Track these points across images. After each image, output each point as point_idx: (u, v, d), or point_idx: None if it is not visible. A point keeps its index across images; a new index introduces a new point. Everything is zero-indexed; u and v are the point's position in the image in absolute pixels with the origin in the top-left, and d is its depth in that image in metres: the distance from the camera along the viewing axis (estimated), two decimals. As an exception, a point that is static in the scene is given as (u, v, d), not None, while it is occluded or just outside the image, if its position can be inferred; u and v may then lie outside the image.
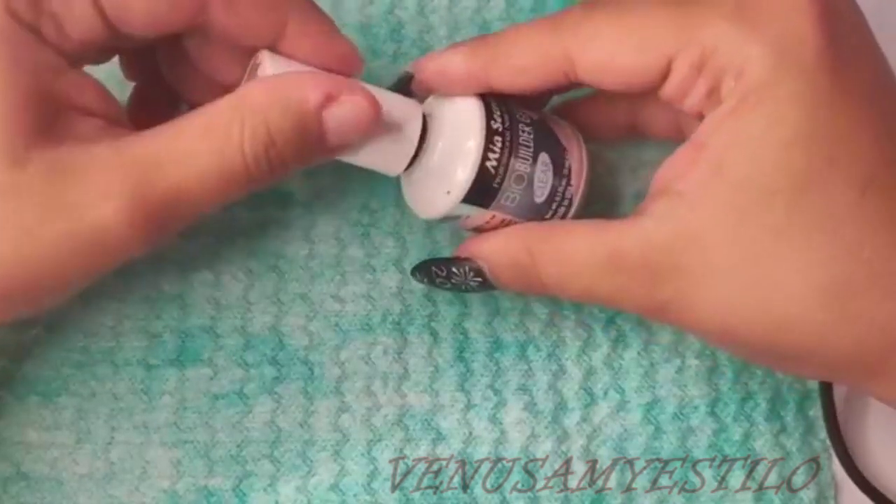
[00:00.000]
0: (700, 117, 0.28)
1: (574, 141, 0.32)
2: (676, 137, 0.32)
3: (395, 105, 0.30)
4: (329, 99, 0.27)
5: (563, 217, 0.31)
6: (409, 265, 0.35)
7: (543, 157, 0.30)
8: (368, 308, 0.35)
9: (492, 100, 0.30)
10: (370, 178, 0.31)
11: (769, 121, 0.27)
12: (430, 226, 0.35)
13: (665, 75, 0.28)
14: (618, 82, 0.29)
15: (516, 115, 0.31)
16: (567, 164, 0.31)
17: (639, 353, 0.35)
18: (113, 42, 0.29)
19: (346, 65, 0.30)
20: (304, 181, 0.35)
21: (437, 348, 0.34)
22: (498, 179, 0.30)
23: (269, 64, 0.29)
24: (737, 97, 0.27)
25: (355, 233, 0.35)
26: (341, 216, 0.35)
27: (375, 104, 0.28)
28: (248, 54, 0.30)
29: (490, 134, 0.30)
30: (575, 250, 0.29)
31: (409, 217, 0.35)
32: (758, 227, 0.27)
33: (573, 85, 0.30)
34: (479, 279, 0.31)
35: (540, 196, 0.31)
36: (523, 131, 0.30)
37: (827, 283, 0.27)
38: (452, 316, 0.35)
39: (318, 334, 0.34)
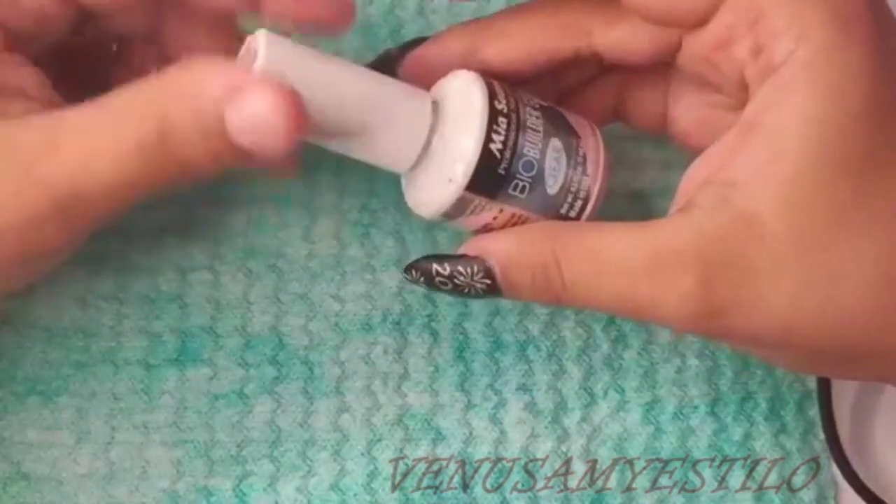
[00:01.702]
0: (737, 76, 0.27)
1: (588, 129, 0.29)
2: (657, 129, 0.32)
3: (401, 95, 0.28)
4: (232, 92, 0.24)
5: (580, 213, 0.29)
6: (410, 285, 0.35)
7: (555, 143, 0.28)
8: (368, 308, 0.35)
9: (496, 83, 0.28)
10: (370, 178, 0.31)
11: (835, 93, 0.25)
12: (431, 226, 0.35)
13: (709, 16, 0.26)
14: (660, 10, 0.27)
15: (523, 99, 0.29)
16: (581, 153, 0.29)
17: (639, 353, 0.35)
18: (67, 18, 0.27)
19: (334, 14, 0.28)
20: (303, 181, 0.35)
21: (437, 348, 0.34)
22: (504, 164, 0.27)
23: (263, 52, 0.25)
24: (797, 65, 0.25)
25: (355, 233, 0.35)
26: (341, 216, 0.35)
27: (293, 102, 0.24)
28: (224, 25, 0.29)
29: (494, 114, 0.27)
30: (611, 248, 0.26)
31: (409, 217, 0.35)
32: (824, 210, 0.25)
33: (579, 61, 0.29)
34: (488, 281, 0.28)
35: (552, 186, 0.28)
36: (531, 115, 0.28)
37: (880, 270, 0.25)
38: (452, 316, 0.35)
39: (318, 334, 0.34)
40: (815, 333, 0.26)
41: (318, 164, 0.35)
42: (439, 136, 0.28)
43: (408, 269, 0.29)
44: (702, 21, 0.27)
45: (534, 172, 0.28)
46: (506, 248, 0.27)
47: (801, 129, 0.25)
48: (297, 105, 0.24)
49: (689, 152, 0.31)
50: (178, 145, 0.25)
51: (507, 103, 0.28)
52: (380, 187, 0.35)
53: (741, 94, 0.27)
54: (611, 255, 0.26)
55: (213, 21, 0.30)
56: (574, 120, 0.29)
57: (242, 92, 0.24)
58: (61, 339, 0.34)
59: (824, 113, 0.25)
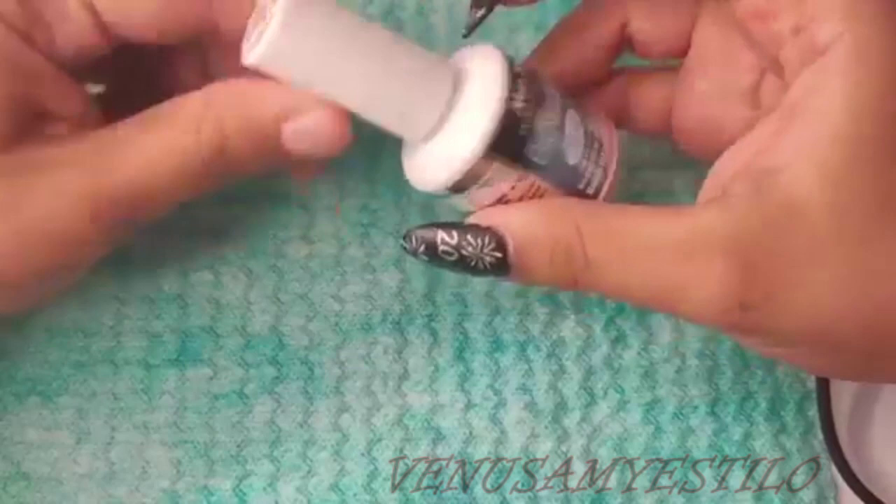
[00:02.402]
0: (772, 50, 0.26)
1: (601, 113, 0.29)
2: (662, 130, 0.31)
3: (422, 61, 0.27)
4: (290, 113, 0.26)
5: (598, 190, 0.28)
6: (409, 265, 0.35)
7: (572, 114, 0.27)
8: (368, 308, 0.35)
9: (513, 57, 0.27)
10: (370, 179, 0.31)
11: (884, 79, 0.24)
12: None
13: None
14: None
15: (540, 75, 0.28)
16: (596, 131, 0.28)
17: (639, 353, 0.35)
18: (110, 48, 0.28)
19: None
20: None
21: (437, 348, 0.34)
22: (526, 125, 0.26)
23: (283, 5, 0.25)
24: (845, 49, 0.24)
25: (355, 233, 0.35)
26: (341, 216, 0.35)
27: (341, 122, 0.26)
28: None
29: (514, 77, 0.26)
30: (641, 229, 0.25)
31: (409, 217, 0.35)
32: (869, 202, 0.24)
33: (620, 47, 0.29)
34: (498, 255, 0.25)
35: (574, 157, 0.27)
36: (547, 88, 0.27)
37: None
38: (452, 316, 0.35)
39: (318, 334, 0.34)
40: (848, 329, 0.25)
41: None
42: (458, 103, 0.26)
43: (407, 237, 0.27)
44: None
45: (554, 139, 0.27)
46: (524, 221, 0.26)
47: (850, 114, 0.24)
48: (344, 116, 0.26)
49: (693, 153, 0.31)
50: (235, 159, 0.27)
51: (525, 70, 0.27)
52: (380, 187, 0.35)
53: (755, 78, 0.27)
54: (640, 237, 0.25)
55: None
56: (588, 106, 0.29)
57: (299, 111, 0.26)
58: (61, 339, 0.34)
59: (873, 99, 0.24)
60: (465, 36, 0.29)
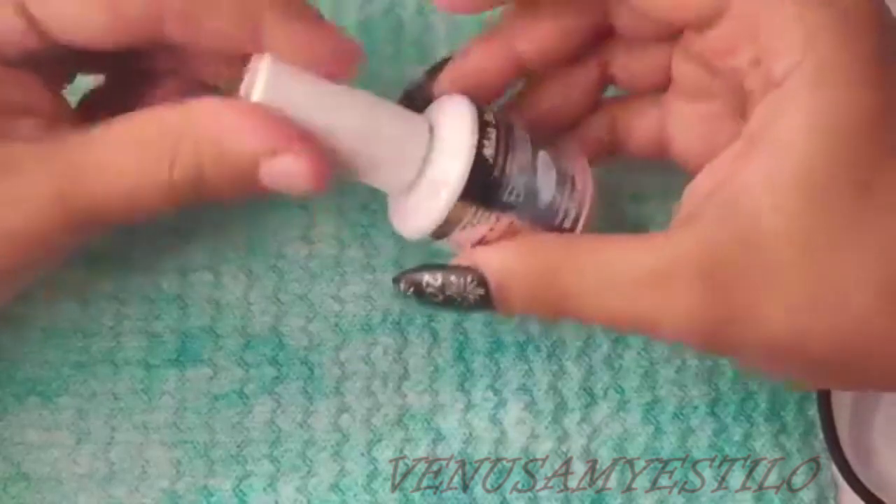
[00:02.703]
0: (736, 83, 0.27)
1: (575, 151, 0.30)
2: (655, 153, 0.32)
3: (398, 120, 0.28)
4: (270, 153, 0.26)
5: (574, 224, 0.29)
6: (409, 265, 0.35)
7: (543, 156, 0.29)
8: (368, 308, 0.35)
9: (484, 106, 0.29)
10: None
11: (839, 105, 0.25)
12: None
13: (712, 22, 0.26)
14: (665, 10, 0.27)
15: (509, 120, 0.29)
16: (569, 170, 0.29)
17: (639, 353, 0.35)
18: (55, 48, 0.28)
19: (338, 62, 0.28)
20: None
21: (437, 348, 0.34)
22: (497, 170, 0.27)
23: (264, 76, 0.26)
24: (801, 79, 0.25)
25: (355, 233, 0.35)
26: (341, 216, 0.35)
27: (320, 164, 0.26)
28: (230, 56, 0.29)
29: (483, 125, 0.28)
30: (613, 261, 0.26)
31: (409, 217, 0.35)
32: (831, 218, 0.25)
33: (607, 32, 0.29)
34: (481, 292, 0.27)
35: (547, 195, 0.28)
36: (518, 130, 0.29)
37: (884, 276, 0.25)
38: (452, 316, 0.35)
39: (318, 334, 0.34)
40: (818, 346, 0.25)
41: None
42: (432, 156, 0.28)
43: (396, 281, 0.28)
44: (704, 25, 0.26)
45: (526, 178, 0.28)
46: (502, 258, 0.27)
47: (807, 141, 0.25)
48: (323, 157, 0.26)
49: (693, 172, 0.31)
50: (208, 190, 0.26)
51: (496, 117, 0.28)
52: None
53: (739, 99, 0.28)
54: (613, 268, 0.26)
55: (221, 56, 0.30)
56: (560, 144, 0.30)
57: (275, 153, 0.26)
58: (61, 339, 0.34)
59: (829, 124, 0.24)
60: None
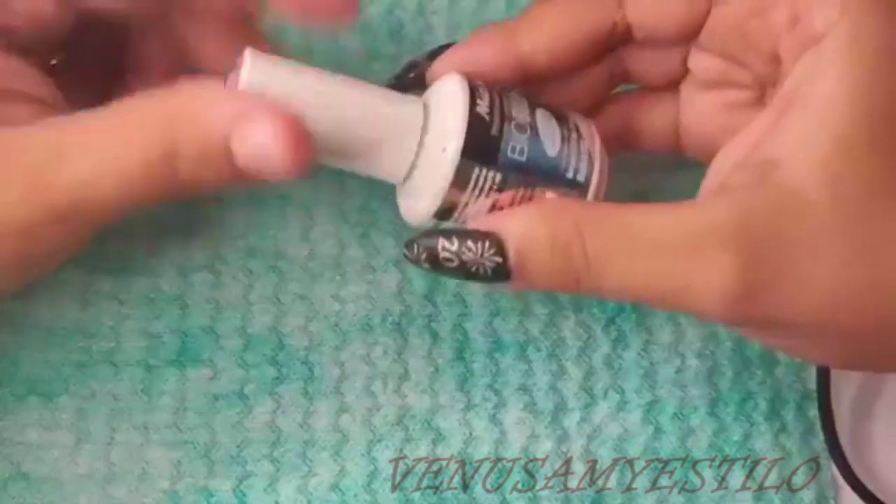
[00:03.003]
0: (769, 48, 0.26)
1: (574, 113, 0.29)
2: (668, 147, 0.31)
3: (390, 105, 0.27)
4: (239, 121, 0.24)
5: (589, 177, 0.28)
6: (409, 265, 0.35)
7: (542, 112, 0.28)
8: (368, 308, 0.35)
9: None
10: (371, 179, 0.31)
11: (881, 64, 0.24)
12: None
13: None
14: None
15: (507, 90, 0.28)
16: (572, 122, 0.28)
17: (639, 354, 0.35)
18: (65, 19, 0.27)
19: (337, 6, 0.27)
20: (303, 182, 0.35)
21: (437, 349, 0.34)
22: (496, 126, 0.26)
23: (247, 70, 0.25)
24: (840, 36, 0.24)
25: (355, 233, 0.35)
26: (341, 216, 0.35)
27: (297, 140, 0.24)
28: (234, 21, 0.28)
29: (474, 89, 0.27)
30: (642, 225, 0.25)
31: (409, 217, 0.35)
32: (870, 183, 0.24)
33: (613, 40, 0.29)
34: (499, 259, 0.25)
35: (552, 147, 0.27)
36: (514, 94, 0.28)
37: None
38: (452, 316, 0.35)
39: (318, 335, 0.34)
40: (857, 311, 0.24)
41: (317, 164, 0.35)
42: (427, 134, 0.27)
43: (409, 246, 0.26)
44: None
45: (527, 134, 0.27)
46: (522, 223, 0.25)
47: (848, 100, 0.24)
48: (300, 133, 0.24)
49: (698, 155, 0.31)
50: (184, 169, 0.25)
51: (487, 84, 0.28)
52: (380, 188, 0.35)
53: (760, 84, 0.27)
54: (642, 232, 0.25)
55: (221, 17, 0.29)
56: (559, 105, 0.29)
57: (247, 122, 0.24)
58: (61, 339, 0.34)
59: (870, 83, 0.24)
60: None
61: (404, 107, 0.27)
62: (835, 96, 0.24)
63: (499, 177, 0.27)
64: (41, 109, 0.27)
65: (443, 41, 0.37)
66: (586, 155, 0.28)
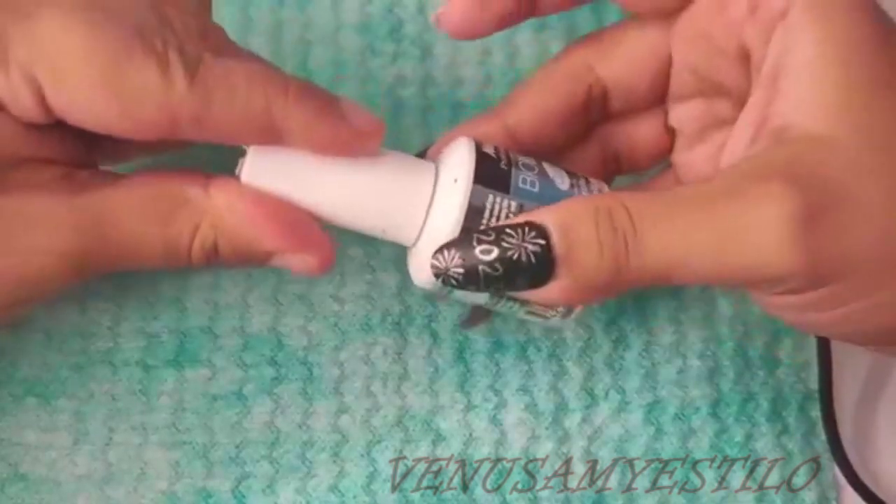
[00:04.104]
0: (737, 44, 0.27)
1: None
2: (658, 159, 0.32)
3: (407, 171, 0.28)
4: (283, 250, 0.28)
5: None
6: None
7: (549, 164, 0.29)
8: (368, 308, 0.35)
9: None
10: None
11: (849, 20, 0.25)
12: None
13: None
14: None
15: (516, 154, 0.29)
16: (580, 174, 0.29)
17: (640, 354, 0.35)
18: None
19: (352, 147, 0.27)
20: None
21: (436, 349, 0.34)
22: (504, 161, 0.27)
23: (249, 164, 0.27)
24: (803, 5, 0.25)
25: (355, 233, 0.35)
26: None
27: (325, 260, 0.28)
28: None
29: (479, 145, 0.28)
30: (684, 188, 0.25)
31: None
32: (884, 112, 0.25)
33: (592, 102, 0.30)
34: (541, 242, 0.24)
35: (562, 183, 0.27)
36: (522, 160, 0.28)
37: None
38: (452, 316, 0.35)
39: (317, 335, 0.34)
40: None
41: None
42: (437, 194, 0.27)
43: (438, 254, 0.25)
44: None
45: (536, 171, 0.28)
46: (559, 208, 0.25)
47: (831, 54, 0.25)
48: (328, 249, 0.28)
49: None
50: (218, 262, 0.28)
51: (496, 149, 0.28)
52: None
53: (742, 75, 0.28)
54: (683, 191, 0.24)
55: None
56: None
57: (294, 251, 0.28)
58: (59, 340, 0.34)
59: (846, 37, 0.25)
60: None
61: (414, 173, 0.28)
62: (819, 54, 0.25)
63: (514, 204, 0.26)
64: (66, 172, 0.28)
65: (443, 41, 0.37)
66: (597, 189, 0.28)
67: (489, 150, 0.28)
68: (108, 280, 0.34)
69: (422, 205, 0.27)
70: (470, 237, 0.25)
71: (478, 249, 0.24)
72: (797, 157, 0.24)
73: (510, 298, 0.27)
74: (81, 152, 0.29)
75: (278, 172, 0.27)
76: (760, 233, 0.23)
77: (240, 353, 0.34)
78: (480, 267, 0.24)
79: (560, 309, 0.28)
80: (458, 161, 0.27)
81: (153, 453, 0.33)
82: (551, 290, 0.25)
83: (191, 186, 0.28)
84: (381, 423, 0.34)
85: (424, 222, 0.27)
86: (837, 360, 0.34)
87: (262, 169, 0.27)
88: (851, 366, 0.35)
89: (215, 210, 0.27)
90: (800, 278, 0.24)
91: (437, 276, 0.24)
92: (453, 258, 0.24)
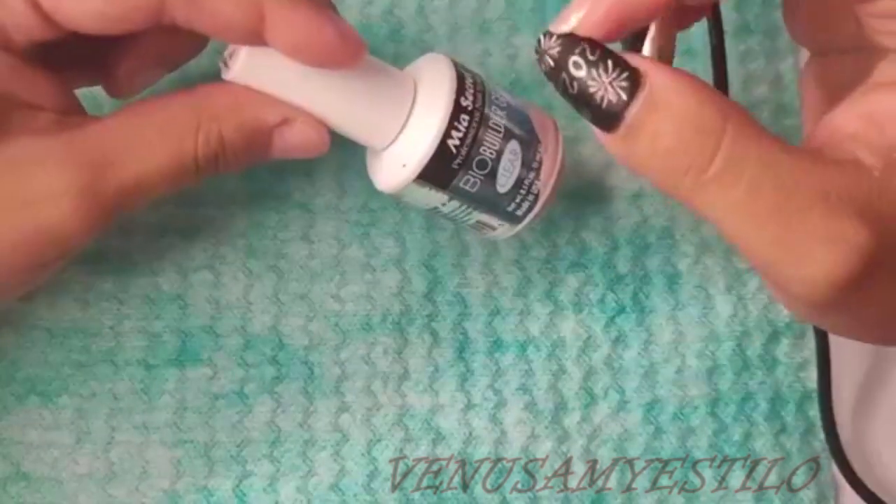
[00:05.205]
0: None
1: (551, 134, 0.30)
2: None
3: (387, 79, 0.29)
4: (284, 122, 0.28)
5: (528, 212, 0.30)
6: (409, 265, 0.35)
7: (513, 145, 0.29)
8: (368, 308, 0.35)
9: (468, 75, 0.29)
10: (370, 179, 0.31)
11: None
12: (431, 226, 0.35)
13: None
14: None
15: (491, 96, 0.29)
16: (538, 158, 0.29)
17: (639, 354, 0.35)
18: (66, 35, 0.28)
19: (337, 56, 0.27)
20: (303, 181, 0.35)
21: (437, 348, 0.34)
22: (459, 160, 0.28)
23: (240, 63, 0.27)
24: None
25: (355, 233, 0.35)
26: (341, 216, 0.35)
27: (325, 137, 0.28)
28: None
29: (457, 111, 0.28)
30: (784, 156, 0.22)
31: (409, 217, 0.35)
32: None
33: None
34: (628, 86, 0.22)
35: (503, 185, 0.29)
36: (495, 114, 0.29)
37: None
38: (452, 316, 0.35)
39: (317, 334, 0.34)
40: None
41: (318, 164, 0.35)
42: (408, 124, 0.29)
43: (547, 34, 0.23)
44: None
45: (487, 171, 0.29)
46: (674, 78, 0.22)
47: None
48: (326, 137, 0.28)
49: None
50: (226, 163, 0.28)
51: (474, 100, 0.28)
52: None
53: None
54: (781, 151, 0.22)
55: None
56: (539, 122, 0.30)
57: (291, 121, 0.28)
58: (61, 339, 0.34)
59: None
60: None
61: (397, 86, 0.29)
62: None
63: (445, 195, 0.29)
64: (59, 117, 0.28)
65: (443, 41, 0.37)
66: (533, 195, 0.29)
67: (456, 136, 0.28)
68: (109, 278, 0.34)
69: (400, 116, 0.28)
70: (577, 42, 0.23)
71: (572, 59, 0.23)
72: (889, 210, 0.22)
73: (465, 206, 0.29)
74: (73, 100, 0.29)
75: (265, 74, 0.27)
76: (814, 263, 0.22)
77: (241, 352, 0.34)
78: (563, 73, 0.23)
79: (504, 224, 0.30)
80: (416, 150, 0.28)
81: (155, 452, 0.33)
82: (603, 136, 0.23)
83: (180, 96, 0.28)
84: (381, 422, 0.34)
85: (400, 131, 0.29)
86: (836, 360, 0.34)
87: (250, 69, 0.27)
88: (850, 365, 0.36)
89: (211, 102, 0.27)
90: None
91: (536, 51, 0.23)
92: (553, 48, 0.23)
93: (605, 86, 0.22)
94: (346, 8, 0.37)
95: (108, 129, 0.27)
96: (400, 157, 0.28)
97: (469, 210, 0.29)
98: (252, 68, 0.27)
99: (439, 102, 0.28)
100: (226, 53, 0.28)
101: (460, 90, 0.28)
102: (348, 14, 0.37)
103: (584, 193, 0.36)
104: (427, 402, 0.34)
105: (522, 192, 0.29)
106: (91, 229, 0.27)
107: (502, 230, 0.30)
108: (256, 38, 0.27)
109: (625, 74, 0.22)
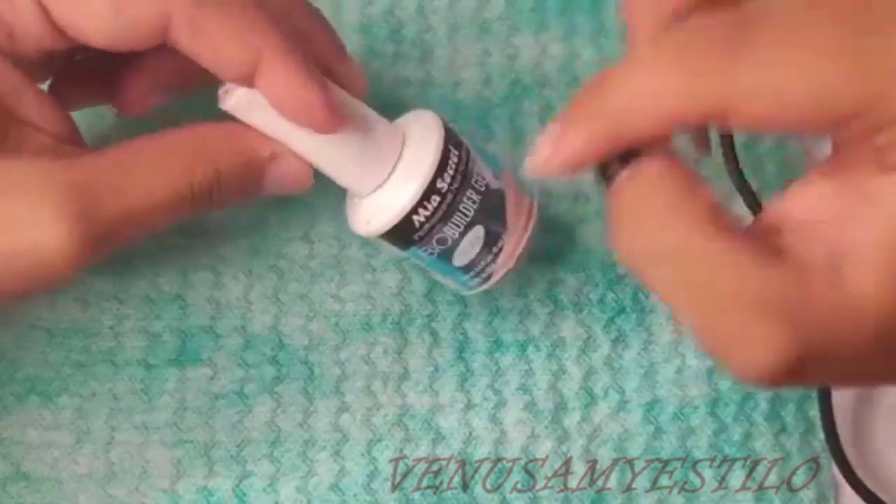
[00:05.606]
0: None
1: (523, 218, 0.30)
2: None
3: (375, 136, 0.29)
4: (273, 157, 0.29)
5: (476, 287, 0.31)
6: (408, 265, 0.35)
7: (477, 231, 0.30)
8: (368, 308, 0.35)
9: (453, 149, 0.29)
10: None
11: None
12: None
13: (839, 125, 0.22)
14: (786, 128, 0.23)
15: (471, 178, 0.30)
16: (500, 245, 0.30)
17: (639, 353, 0.35)
18: (72, 49, 0.28)
19: (316, 122, 0.28)
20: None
21: (437, 348, 0.34)
22: (420, 234, 0.29)
23: (238, 95, 0.28)
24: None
25: (355, 233, 0.35)
26: (341, 216, 0.35)
27: (309, 172, 0.29)
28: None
29: (430, 191, 0.29)
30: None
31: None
32: None
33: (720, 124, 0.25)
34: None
35: (459, 262, 0.30)
36: (469, 198, 0.29)
37: None
38: (452, 316, 0.35)
39: (317, 334, 0.34)
40: None
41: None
42: (391, 178, 0.29)
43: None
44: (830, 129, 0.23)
45: (445, 247, 0.30)
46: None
47: None
48: (309, 172, 0.29)
49: None
50: (220, 199, 0.28)
51: (451, 182, 0.29)
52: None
53: None
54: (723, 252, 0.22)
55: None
56: (514, 205, 0.30)
57: (279, 156, 0.29)
58: (61, 339, 0.34)
59: None
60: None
61: (387, 139, 0.29)
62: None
63: (405, 254, 0.30)
64: (54, 142, 0.28)
65: (443, 41, 0.37)
66: (486, 275, 0.31)
67: (423, 214, 0.29)
68: (109, 278, 0.34)
69: (380, 176, 0.29)
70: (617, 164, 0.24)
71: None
72: (817, 318, 0.22)
73: (423, 264, 0.31)
74: (72, 127, 0.29)
75: (258, 112, 0.28)
76: (735, 359, 0.23)
77: (241, 352, 0.34)
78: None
79: (455, 286, 0.32)
80: (385, 213, 0.29)
81: (155, 452, 0.33)
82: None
83: (176, 131, 0.28)
84: (381, 422, 0.34)
85: (377, 188, 0.29)
86: (836, 360, 0.34)
87: (245, 105, 0.28)
88: (850, 365, 0.36)
89: (208, 136, 0.28)
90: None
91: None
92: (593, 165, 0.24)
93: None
94: (346, 8, 0.37)
95: (104, 160, 0.27)
96: (368, 213, 0.30)
97: (426, 267, 0.31)
98: (247, 104, 0.28)
99: (416, 177, 0.29)
100: (226, 84, 0.28)
101: (440, 170, 0.29)
102: (348, 14, 0.37)
103: (585, 193, 0.36)
104: (427, 402, 0.34)
105: (476, 269, 0.31)
106: (79, 259, 0.26)
107: (455, 288, 0.32)
108: (248, 82, 0.27)
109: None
